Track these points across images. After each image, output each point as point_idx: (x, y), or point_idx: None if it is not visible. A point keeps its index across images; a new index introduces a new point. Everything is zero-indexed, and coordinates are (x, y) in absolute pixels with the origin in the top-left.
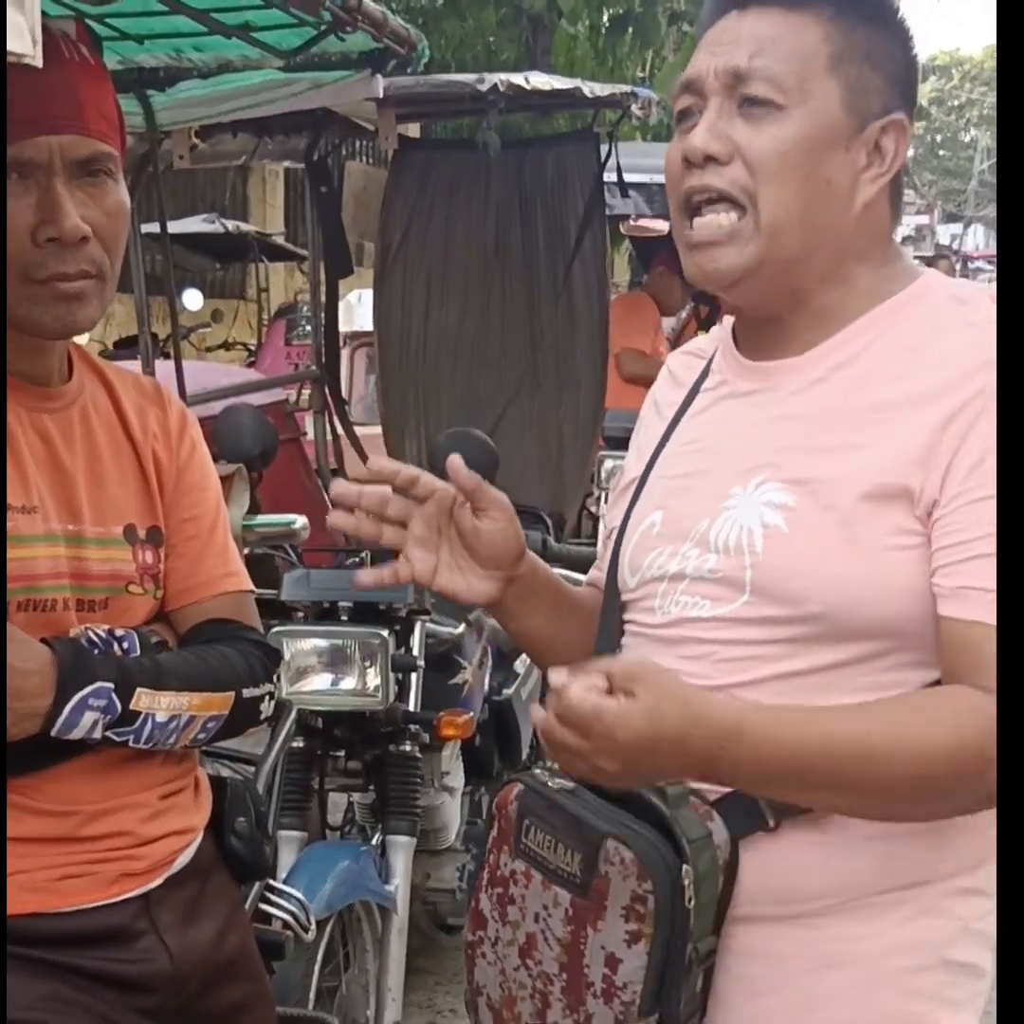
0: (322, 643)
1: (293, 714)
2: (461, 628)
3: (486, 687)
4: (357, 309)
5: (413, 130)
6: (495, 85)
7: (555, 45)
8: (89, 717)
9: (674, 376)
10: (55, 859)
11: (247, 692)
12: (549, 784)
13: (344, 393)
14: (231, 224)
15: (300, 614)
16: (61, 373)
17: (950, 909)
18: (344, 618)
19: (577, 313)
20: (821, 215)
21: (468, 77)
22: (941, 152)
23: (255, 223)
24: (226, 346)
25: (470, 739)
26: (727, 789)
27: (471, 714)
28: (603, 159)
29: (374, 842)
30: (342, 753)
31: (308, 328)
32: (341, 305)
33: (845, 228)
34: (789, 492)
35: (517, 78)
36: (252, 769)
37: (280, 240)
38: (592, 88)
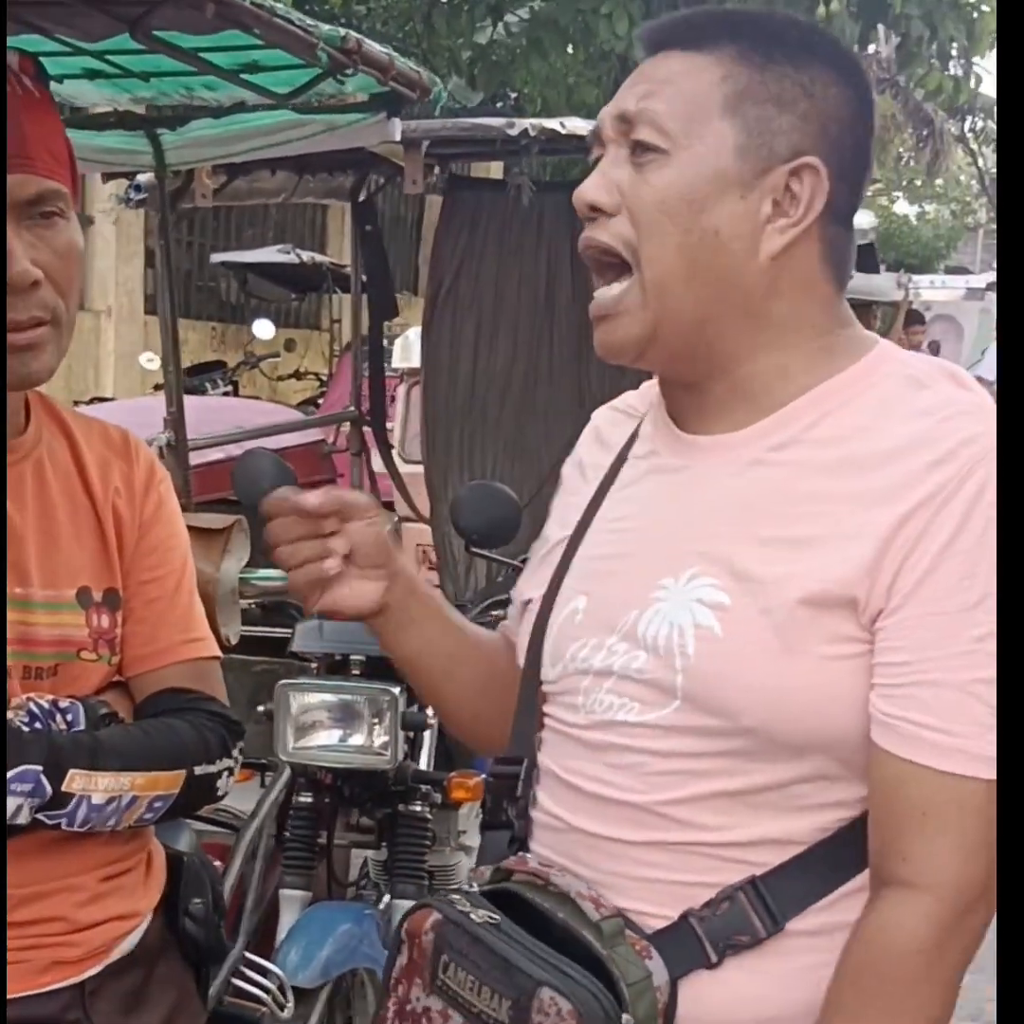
0: (330, 698)
1: (285, 776)
2: None
3: None
4: (416, 345)
5: (496, 169)
6: (526, 130)
7: None
8: (13, 801)
9: (600, 435)
10: None
11: (200, 769)
12: (472, 916)
13: (398, 429)
14: (306, 255)
15: (313, 665)
16: (16, 424)
17: None
18: (356, 672)
19: (626, 366)
20: (712, 269)
21: (497, 121)
22: None
23: (332, 255)
24: (297, 375)
25: (496, 824)
26: (667, 920)
27: (484, 776)
28: None
29: (386, 900)
30: (355, 809)
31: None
32: (399, 341)
33: (748, 283)
34: (724, 590)
35: (552, 123)
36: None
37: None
38: None
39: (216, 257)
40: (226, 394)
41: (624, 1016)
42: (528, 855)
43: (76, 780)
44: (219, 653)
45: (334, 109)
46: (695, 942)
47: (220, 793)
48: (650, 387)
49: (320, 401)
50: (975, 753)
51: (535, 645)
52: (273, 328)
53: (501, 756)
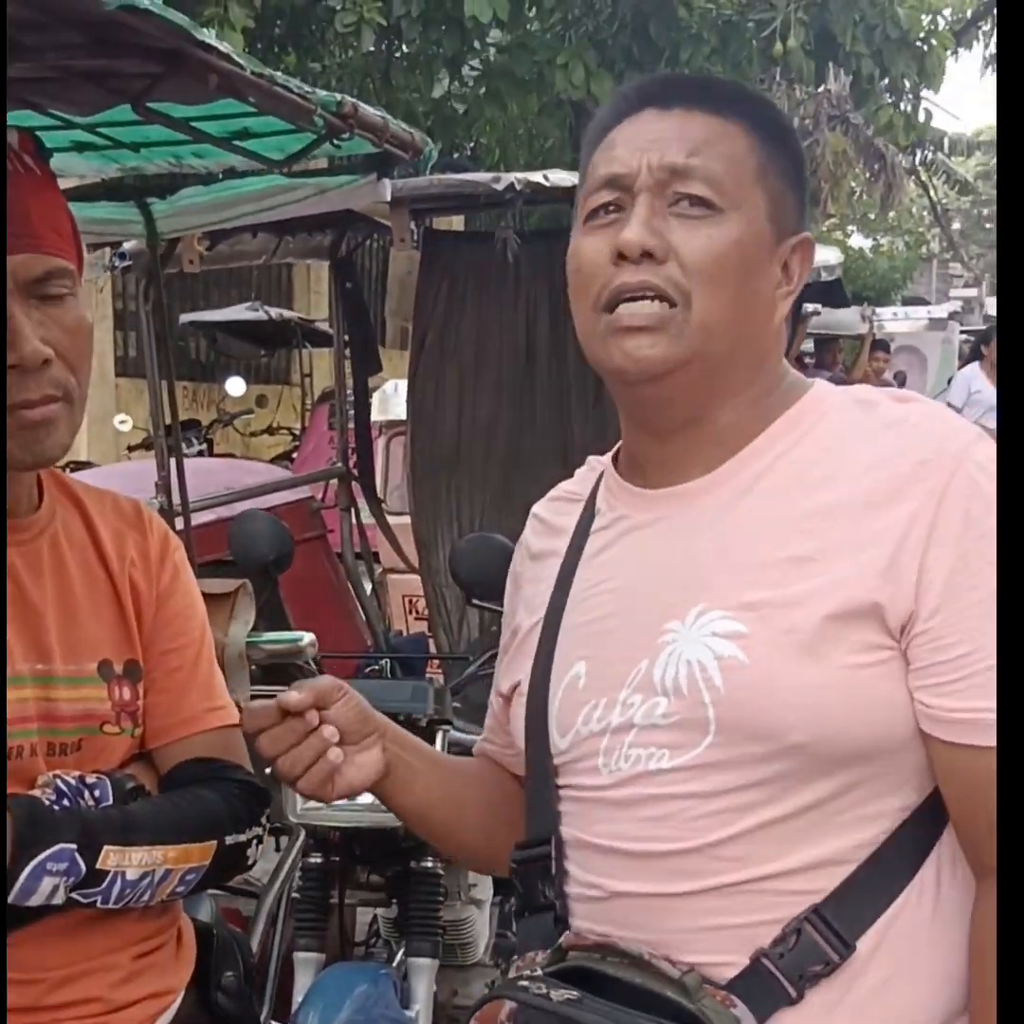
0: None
1: (300, 840)
2: None
3: None
4: (393, 398)
5: (457, 223)
6: (512, 184)
7: None
8: (49, 882)
9: (545, 523)
10: None
11: (230, 839)
12: (552, 996)
13: (379, 482)
14: (274, 311)
15: None
16: (30, 501)
17: None
18: None
19: (609, 413)
20: (748, 323)
21: (483, 176)
22: (987, 225)
23: (300, 309)
24: (270, 430)
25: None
26: (736, 967)
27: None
28: None
29: (399, 958)
30: (364, 868)
31: (351, 413)
32: (377, 394)
33: (763, 341)
34: (737, 620)
35: (535, 176)
36: (253, 898)
37: (324, 326)
38: None
39: (185, 317)
40: (201, 453)
41: None
42: (578, 929)
43: (110, 856)
44: (238, 720)
45: (324, 172)
46: (773, 982)
47: (251, 861)
48: (586, 471)
49: (294, 455)
50: None
51: (537, 722)
52: (244, 385)
53: (521, 841)
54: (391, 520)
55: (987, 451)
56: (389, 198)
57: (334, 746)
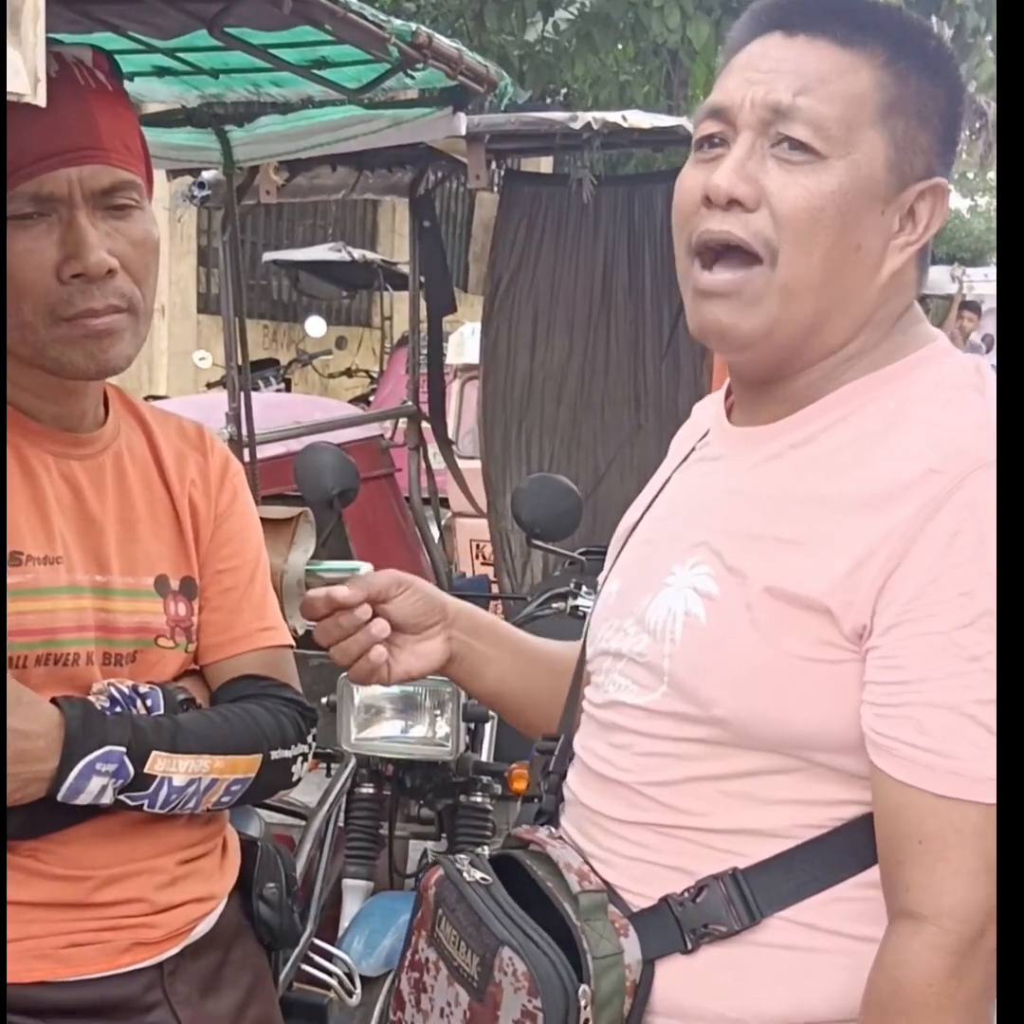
0: (392, 690)
1: (351, 766)
2: None
3: None
4: (470, 342)
5: (546, 164)
6: (589, 123)
7: (693, 77)
8: (97, 782)
9: (691, 422)
10: (64, 926)
11: (276, 754)
12: (465, 874)
13: (452, 425)
14: (357, 253)
15: None
16: (96, 417)
17: None
18: None
19: (681, 357)
20: (844, 282)
21: (560, 115)
22: None
23: (383, 251)
24: (349, 372)
25: (533, 796)
26: (650, 900)
27: None
28: None
29: None
30: (415, 801)
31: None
32: (454, 337)
33: (868, 298)
34: (716, 580)
35: (613, 116)
36: (302, 822)
37: (406, 269)
38: None
39: (268, 256)
40: (279, 391)
41: (581, 987)
42: (542, 826)
43: (158, 762)
44: (292, 642)
45: (400, 104)
46: (673, 926)
47: (295, 778)
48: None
49: (371, 398)
50: (973, 776)
51: (588, 628)
52: (324, 326)
53: (547, 734)
54: (463, 464)
55: None
56: (464, 132)
57: (379, 644)
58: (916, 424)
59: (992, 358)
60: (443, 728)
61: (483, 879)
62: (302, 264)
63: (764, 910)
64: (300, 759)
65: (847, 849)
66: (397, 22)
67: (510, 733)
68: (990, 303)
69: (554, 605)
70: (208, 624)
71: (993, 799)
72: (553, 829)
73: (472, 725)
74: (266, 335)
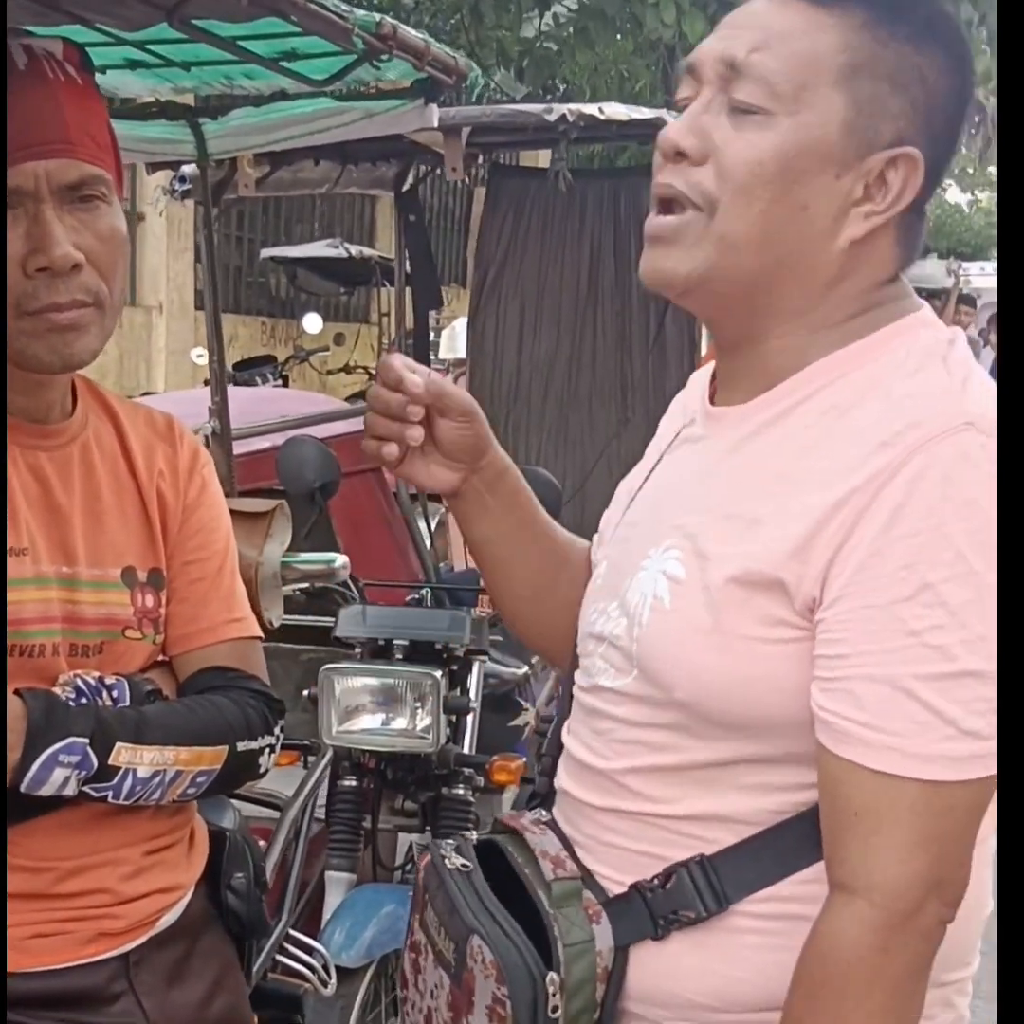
0: (373, 682)
1: (328, 757)
2: (524, 669)
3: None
4: (460, 336)
5: (544, 158)
6: (564, 115)
7: None
8: (60, 773)
9: (681, 401)
10: (28, 916)
11: (242, 745)
12: (447, 861)
13: None
14: (355, 249)
15: (356, 650)
16: (63, 408)
17: None
18: (399, 656)
19: (669, 351)
20: (787, 242)
21: (536, 106)
22: None
23: (381, 248)
24: (347, 369)
25: (532, 779)
26: (623, 887)
27: (525, 759)
28: None
29: None
30: (399, 793)
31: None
32: (446, 332)
33: (819, 263)
34: (683, 564)
35: (589, 108)
36: (276, 812)
37: (407, 268)
38: None
39: (266, 252)
40: (276, 388)
41: (550, 974)
42: (529, 811)
43: (122, 753)
44: (260, 633)
45: (372, 96)
46: (643, 913)
47: (262, 770)
48: None
49: None
50: (909, 752)
51: (581, 612)
52: (321, 322)
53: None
54: None
55: (967, 446)
56: (436, 124)
57: (413, 428)
58: (880, 397)
59: (989, 353)
60: (424, 720)
61: (463, 866)
62: (300, 260)
63: (731, 896)
64: (267, 750)
65: (809, 835)
66: (360, 13)
67: (492, 725)
68: (987, 297)
69: None
70: (176, 615)
71: (931, 776)
72: (544, 813)
73: (453, 717)
74: (264, 332)
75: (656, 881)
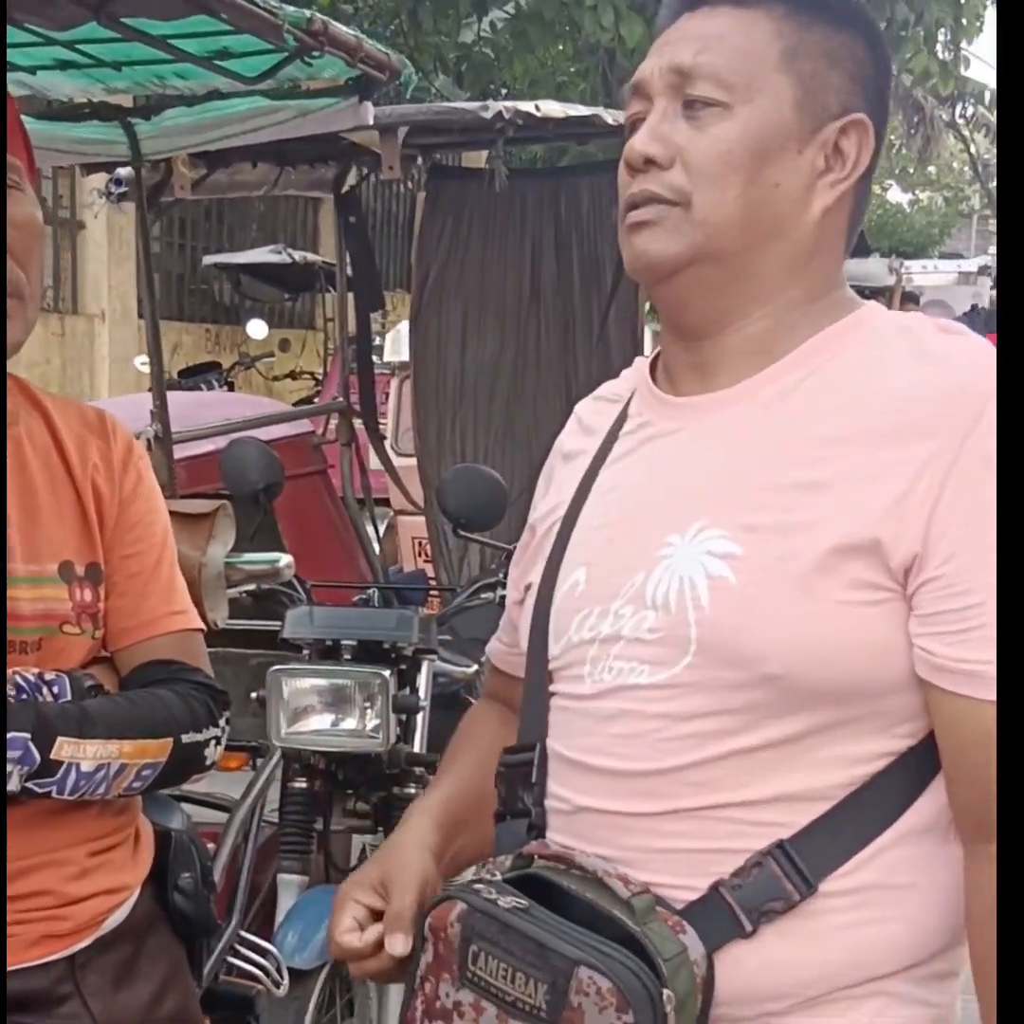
0: (321, 682)
1: (276, 758)
2: (473, 668)
3: None
4: (405, 339)
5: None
6: (500, 112)
7: (630, 76)
8: None
9: (582, 423)
10: None
11: (187, 737)
12: (500, 903)
13: (391, 423)
14: (298, 255)
15: (305, 651)
16: None
17: (925, 997)
18: (347, 657)
19: (612, 349)
20: (766, 219)
21: (472, 105)
22: None
23: (324, 254)
24: (293, 375)
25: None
26: (695, 892)
27: None
28: None
29: None
30: (351, 794)
31: (374, 358)
32: (391, 334)
33: (798, 236)
34: (734, 540)
35: (526, 105)
36: (226, 815)
37: (348, 271)
38: (616, 116)
39: (209, 259)
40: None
41: (665, 992)
42: (548, 840)
43: (64, 748)
44: (202, 625)
45: (306, 95)
46: (728, 913)
47: (208, 762)
48: (632, 372)
49: (316, 400)
50: None
51: (539, 625)
52: (266, 328)
53: (511, 745)
54: (403, 461)
55: None
56: (371, 122)
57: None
58: (910, 361)
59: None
60: (373, 720)
61: (518, 904)
62: (243, 267)
63: (818, 877)
64: (213, 742)
65: (879, 802)
66: (291, 9)
67: (442, 724)
68: (929, 294)
69: (483, 595)
70: (115, 610)
71: None
72: (558, 841)
73: (403, 717)
74: (209, 339)
75: (737, 877)
